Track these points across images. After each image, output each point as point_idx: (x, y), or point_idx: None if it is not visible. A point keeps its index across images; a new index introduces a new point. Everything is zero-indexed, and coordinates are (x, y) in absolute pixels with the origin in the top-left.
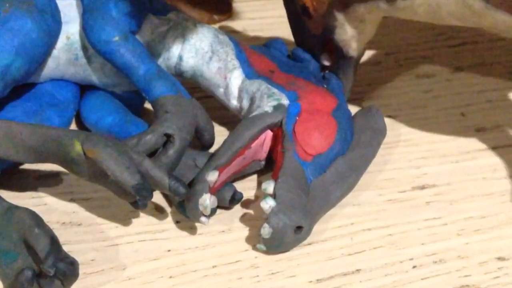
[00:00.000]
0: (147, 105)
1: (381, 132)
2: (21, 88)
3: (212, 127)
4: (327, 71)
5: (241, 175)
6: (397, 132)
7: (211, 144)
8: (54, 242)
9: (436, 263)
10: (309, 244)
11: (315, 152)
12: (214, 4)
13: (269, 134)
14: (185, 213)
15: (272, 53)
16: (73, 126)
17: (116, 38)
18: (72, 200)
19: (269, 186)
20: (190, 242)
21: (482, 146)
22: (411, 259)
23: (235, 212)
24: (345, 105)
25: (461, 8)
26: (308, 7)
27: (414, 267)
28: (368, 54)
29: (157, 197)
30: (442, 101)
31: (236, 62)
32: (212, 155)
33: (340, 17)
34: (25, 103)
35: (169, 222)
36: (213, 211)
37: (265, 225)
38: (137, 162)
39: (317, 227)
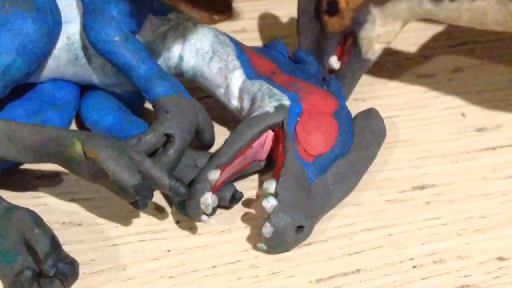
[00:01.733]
0: (147, 105)
1: (381, 134)
2: (21, 88)
3: (212, 127)
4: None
5: (241, 175)
6: (397, 132)
7: (211, 144)
8: (54, 242)
9: (436, 263)
10: (309, 244)
11: (316, 152)
12: (214, 4)
13: (270, 134)
14: (186, 213)
15: (273, 54)
16: (73, 126)
17: (117, 38)
18: (72, 200)
19: (270, 186)
20: (190, 242)
21: (482, 146)
22: (411, 259)
23: (235, 211)
24: (345, 107)
25: (506, 16)
26: (338, 1)
27: (414, 267)
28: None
29: (157, 197)
30: (442, 101)
31: (236, 63)
32: (214, 154)
33: (374, 12)
34: (25, 103)
35: (169, 222)
36: (213, 210)
37: (267, 224)
38: (137, 162)
39: (317, 227)
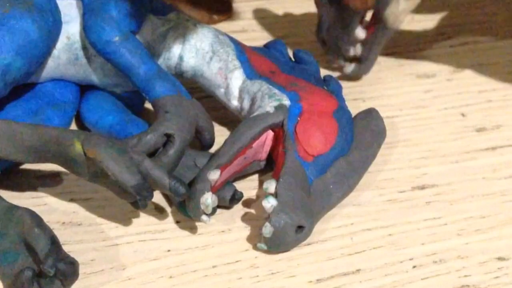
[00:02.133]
0: (147, 105)
1: (381, 134)
2: (22, 88)
3: (212, 127)
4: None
5: (241, 175)
6: (397, 132)
7: (211, 144)
8: (54, 242)
9: (436, 263)
10: (309, 244)
11: (316, 152)
12: (214, 4)
13: (270, 134)
14: (186, 213)
15: (273, 54)
16: (73, 126)
17: (117, 38)
18: (72, 200)
19: (270, 186)
20: (190, 242)
21: (482, 146)
22: (411, 259)
23: (235, 211)
24: (345, 107)
25: None
26: None
27: (414, 267)
28: None
29: (157, 197)
30: (442, 101)
31: (237, 63)
32: (214, 154)
33: None
34: (26, 103)
35: (169, 222)
36: (213, 210)
37: (267, 224)
38: (137, 162)
39: (317, 227)
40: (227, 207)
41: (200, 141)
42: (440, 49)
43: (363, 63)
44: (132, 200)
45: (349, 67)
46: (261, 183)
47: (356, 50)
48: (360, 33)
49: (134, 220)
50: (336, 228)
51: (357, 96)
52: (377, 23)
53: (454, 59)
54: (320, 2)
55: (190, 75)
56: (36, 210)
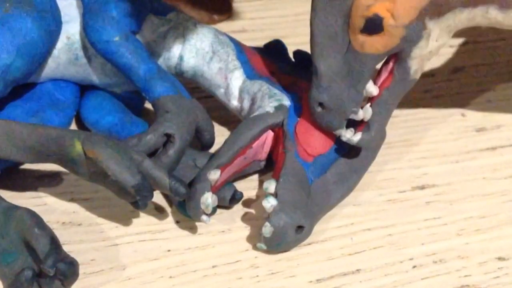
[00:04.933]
0: (147, 105)
1: (381, 134)
2: (21, 88)
3: (212, 127)
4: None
5: (241, 175)
6: (397, 132)
7: (211, 144)
8: (54, 242)
9: (436, 263)
10: (309, 244)
11: (316, 152)
12: (214, 4)
13: (270, 134)
14: (186, 213)
15: (273, 54)
16: (73, 126)
17: (117, 38)
18: (72, 200)
19: (270, 186)
20: (190, 242)
21: (482, 146)
22: (411, 259)
23: (235, 211)
24: None
25: None
26: (383, 17)
27: (414, 267)
28: None
29: (157, 197)
30: (442, 101)
31: (237, 63)
32: (214, 154)
33: (430, 25)
34: (26, 103)
35: (169, 222)
36: (213, 210)
37: (266, 224)
38: (138, 162)
39: (317, 227)
40: (227, 207)
41: (200, 141)
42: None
43: (373, 128)
44: (132, 200)
45: (356, 136)
46: (261, 183)
47: (365, 113)
48: (373, 88)
49: (134, 220)
50: (336, 228)
51: None
52: (395, 73)
53: (454, 59)
54: (320, 53)
55: (190, 75)
56: (36, 210)
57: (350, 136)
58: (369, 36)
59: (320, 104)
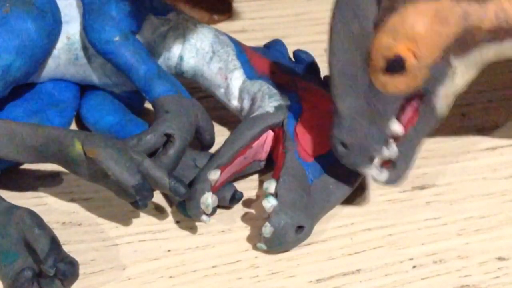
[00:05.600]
0: (147, 105)
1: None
2: (21, 88)
3: (212, 127)
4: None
5: (241, 175)
6: None
7: (211, 144)
8: (54, 242)
9: (436, 263)
10: (309, 244)
11: (316, 152)
12: (214, 4)
13: (270, 134)
14: (186, 213)
15: (273, 54)
16: (73, 126)
17: (117, 38)
18: (72, 200)
19: (270, 186)
20: (190, 242)
21: (482, 146)
22: (411, 259)
23: (235, 211)
24: None
25: None
26: (405, 58)
27: (414, 267)
28: None
29: (157, 197)
30: None
31: (237, 63)
32: (214, 154)
33: (456, 63)
34: (26, 103)
35: (169, 222)
36: (213, 210)
37: (267, 224)
38: (137, 162)
39: (317, 227)
40: (227, 207)
41: (200, 141)
42: None
43: (399, 166)
44: (132, 200)
45: (383, 175)
46: (261, 183)
47: (390, 151)
48: (397, 127)
49: (134, 220)
50: (336, 228)
51: None
52: (420, 111)
53: None
54: (339, 93)
55: (190, 75)
56: (36, 210)
57: (376, 174)
58: (391, 76)
59: (343, 144)
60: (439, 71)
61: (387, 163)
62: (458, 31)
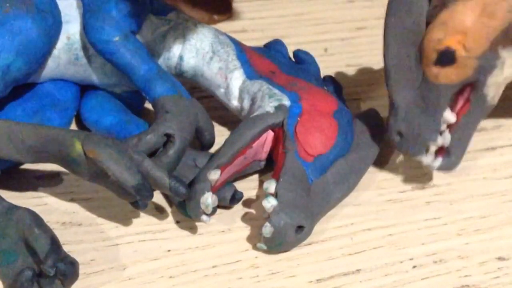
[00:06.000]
0: (147, 105)
1: (381, 134)
2: (22, 88)
3: (212, 127)
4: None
5: (241, 175)
6: None
7: (211, 144)
8: (54, 242)
9: (436, 263)
10: (309, 244)
11: (316, 152)
12: (214, 4)
13: (270, 134)
14: (186, 213)
15: (273, 54)
16: (73, 126)
17: (117, 38)
18: (72, 200)
19: (270, 186)
20: (190, 242)
21: (482, 146)
22: (411, 259)
23: (235, 211)
24: (345, 107)
25: None
26: (455, 50)
27: (414, 267)
28: (369, 54)
29: (157, 197)
30: None
31: (237, 63)
32: (214, 154)
33: (504, 54)
34: (26, 103)
35: (169, 222)
36: (213, 210)
37: (267, 224)
38: (138, 162)
39: (317, 227)
40: (227, 207)
41: (200, 141)
42: None
43: (453, 153)
44: (132, 200)
45: (436, 161)
46: (261, 183)
47: (444, 139)
48: (450, 116)
49: (134, 220)
50: (336, 228)
51: (357, 96)
52: (471, 100)
53: None
54: (394, 85)
55: (190, 75)
56: (36, 210)
57: (431, 161)
58: (443, 67)
59: (399, 133)
60: (487, 61)
61: (442, 151)
62: (504, 24)
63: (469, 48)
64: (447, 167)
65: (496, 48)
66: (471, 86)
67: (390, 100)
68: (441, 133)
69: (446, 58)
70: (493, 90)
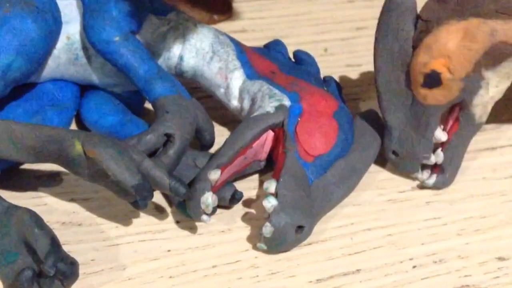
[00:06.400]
0: (147, 105)
1: (381, 134)
2: (22, 88)
3: (212, 127)
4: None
5: (241, 175)
6: None
7: (211, 144)
8: (54, 242)
9: (436, 263)
10: (309, 244)
11: (316, 153)
12: (214, 4)
13: (270, 134)
14: (186, 213)
15: (273, 54)
16: (73, 126)
17: (117, 38)
18: (72, 200)
19: (271, 186)
20: (190, 242)
21: (482, 146)
22: (411, 259)
23: (235, 211)
24: (346, 108)
25: None
26: (440, 72)
27: (414, 267)
28: (368, 54)
29: (157, 197)
30: None
31: (237, 63)
32: (214, 154)
33: (488, 75)
34: (26, 103)
35: (169, 222)
36: (213, 210)
37: (267, 224)
38: (138, 162)
39: (317, 227)
40: (227, 207)
41: (200, 141)
42: None
43: (447, 171)
44: (132, 200)
45: (431, 179)
46: (261, 183)
47: (438, 157)
48: (441, 135)
49: (134, 220)
50: (336, 228)
51: (357, 96)
52: (460, 119)
53: None
54: (387, 107)
55: (190, 75)
56: (36, 210)
57: (426, 179)
58: (430, 90)
59: (394, 152)
60: (472, 83)
61: (436, 168)
62: (486, 47)
63: (454, 70)
64: (441, 184)
65: (479, 69)
66: (459, 106)
67: (384, 121)
68: (434, 151)
69: (432, 80)
70: (480, 109)
